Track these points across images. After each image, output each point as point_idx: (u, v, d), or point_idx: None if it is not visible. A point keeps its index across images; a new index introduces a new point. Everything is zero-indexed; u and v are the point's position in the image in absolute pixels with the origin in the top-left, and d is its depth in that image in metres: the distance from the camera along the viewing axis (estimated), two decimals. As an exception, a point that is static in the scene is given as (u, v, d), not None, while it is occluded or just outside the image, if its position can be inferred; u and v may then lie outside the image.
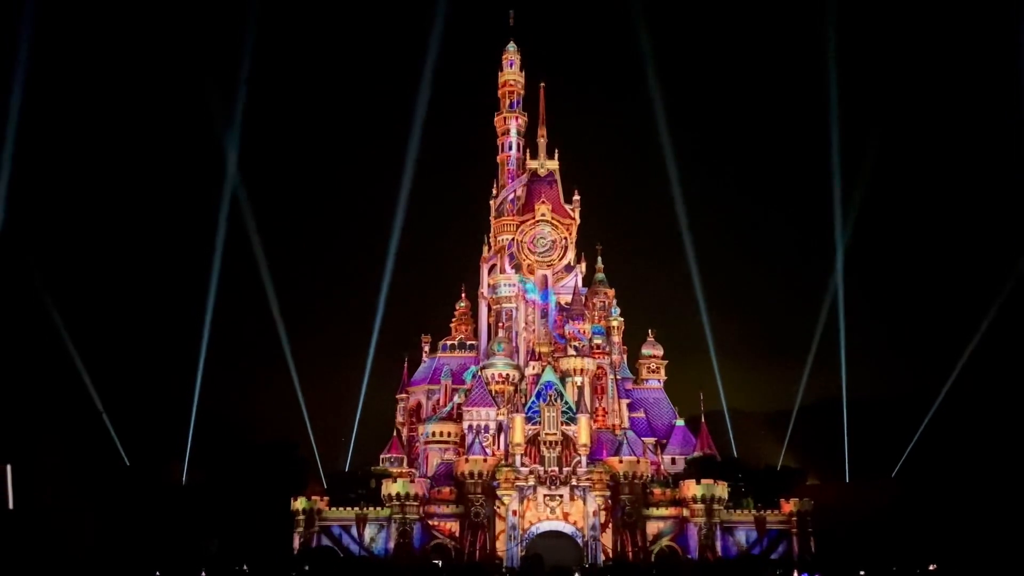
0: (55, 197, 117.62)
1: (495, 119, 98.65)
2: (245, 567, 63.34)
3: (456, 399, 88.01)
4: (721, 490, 76.79)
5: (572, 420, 79.06)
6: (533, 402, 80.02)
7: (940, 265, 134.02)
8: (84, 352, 71.92)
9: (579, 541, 76.07)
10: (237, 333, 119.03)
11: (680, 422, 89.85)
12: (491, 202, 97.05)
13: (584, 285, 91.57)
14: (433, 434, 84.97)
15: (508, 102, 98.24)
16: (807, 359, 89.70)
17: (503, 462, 77.76)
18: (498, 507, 76.36)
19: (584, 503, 76.62)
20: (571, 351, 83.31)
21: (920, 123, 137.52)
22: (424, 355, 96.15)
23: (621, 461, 77.37)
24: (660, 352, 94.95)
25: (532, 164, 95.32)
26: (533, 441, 78.65)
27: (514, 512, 76.15)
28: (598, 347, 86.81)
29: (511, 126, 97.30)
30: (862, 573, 63.47)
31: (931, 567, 65.43)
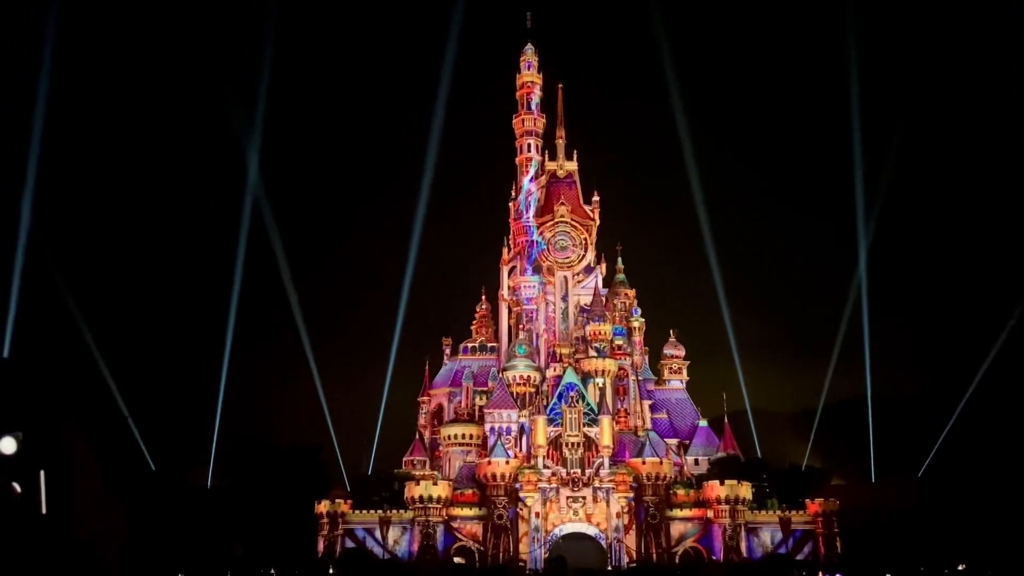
0: (80, 205, 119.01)
1: (513, 121, 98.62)
2: (272, 571, 63.67)
3: (477, 401, 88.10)
4: (745, 491, 76.37)
5: (594, 422, 78.89)
6: (555, 404, 79.91)
7: (966, 262, 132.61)
8: (109, 358, 72.67)
9: (602, 543, 75.87)
10: (260, 338, 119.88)
11: (703, 423, 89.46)
12: (510, 204, 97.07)
13: (604, 286, 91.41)
14: (455, 436, 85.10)
15: (526, 104, 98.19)
16: (831, 358, 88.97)
17: (525, 464, 77.75)
18: (521, 509, 76.30)
19: (607, 505, 76.41)
20: (592, 352, 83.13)
21: (944, 120, 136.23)
22: (445, 358, 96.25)
23: (644, 462, 77.15)
24: (682, 352, 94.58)
25: (551, 165, 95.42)
26: (555, 443, 78.53)
27: (537, 514, 76.07)
28: (619, 348, 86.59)
29: (529, 128, 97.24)
30: (887, 575, 62.82)
31: (959, 567, 64.69)
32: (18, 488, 16.48)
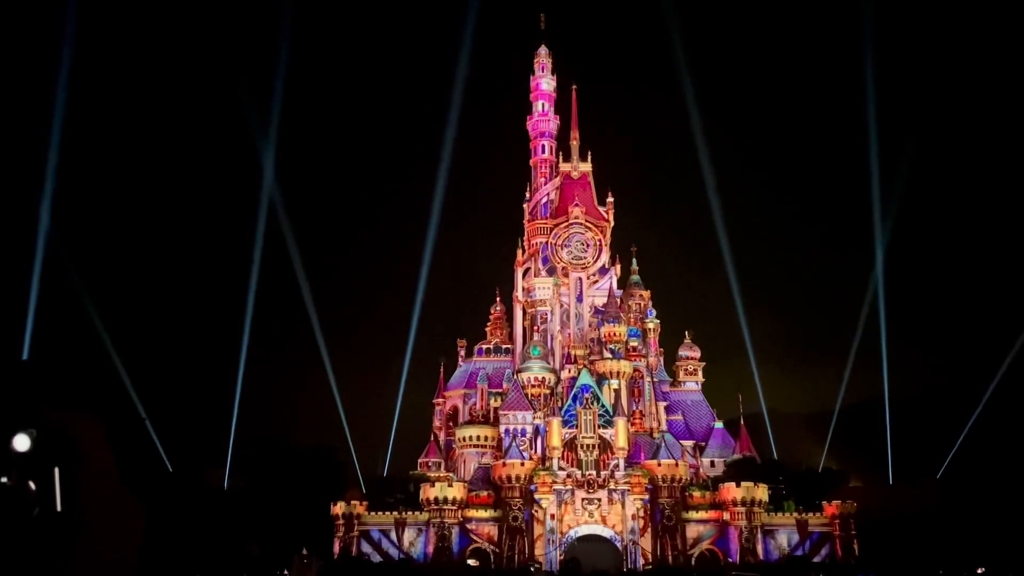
0: (98, 206, 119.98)
1: (527, 122, 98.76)
2: (286, 571, 63.76)
3: (492, 403, 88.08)
4: (761, 493, 75.92)
5: (609, 423, 78.67)
6: (569, 405, 79.73)
7: (983, 262, 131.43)
8: (127, 359, 73.17)
9: (618, 545, 75.60)
10: (276, 339, 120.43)
11: (719, 424, 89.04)
12: (524, 205, 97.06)
13: (619, 287, 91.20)
14: (470, 438, 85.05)
15: (540, 105, 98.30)
16: (848, 359, 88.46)
17: (540, 466, 77.60)
18: (536, 511, 76.14)
19: (623, 507, 76.15)
20: (607, 354, 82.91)
21: (960, 119, 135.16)
22: (460, 359, 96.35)
23: (659, 464, 76.81)
24: (697, 354, 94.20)
25: (565, 167, 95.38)
26: (570, 445, 78.33)
27: (552, 516, 75.89)
28: (634, 349, 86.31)
29: (543, 129, 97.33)
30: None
31: (979, 570, 63.98)
32: (33, 486, 16.56)
